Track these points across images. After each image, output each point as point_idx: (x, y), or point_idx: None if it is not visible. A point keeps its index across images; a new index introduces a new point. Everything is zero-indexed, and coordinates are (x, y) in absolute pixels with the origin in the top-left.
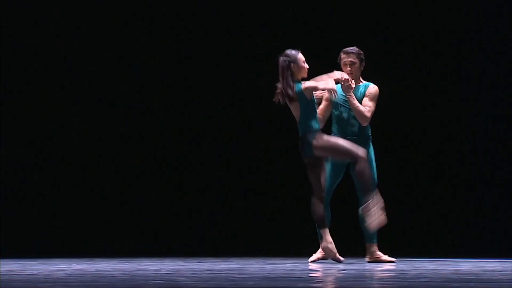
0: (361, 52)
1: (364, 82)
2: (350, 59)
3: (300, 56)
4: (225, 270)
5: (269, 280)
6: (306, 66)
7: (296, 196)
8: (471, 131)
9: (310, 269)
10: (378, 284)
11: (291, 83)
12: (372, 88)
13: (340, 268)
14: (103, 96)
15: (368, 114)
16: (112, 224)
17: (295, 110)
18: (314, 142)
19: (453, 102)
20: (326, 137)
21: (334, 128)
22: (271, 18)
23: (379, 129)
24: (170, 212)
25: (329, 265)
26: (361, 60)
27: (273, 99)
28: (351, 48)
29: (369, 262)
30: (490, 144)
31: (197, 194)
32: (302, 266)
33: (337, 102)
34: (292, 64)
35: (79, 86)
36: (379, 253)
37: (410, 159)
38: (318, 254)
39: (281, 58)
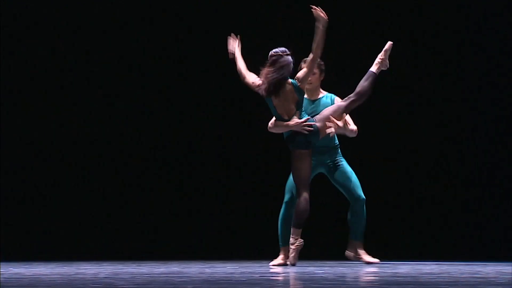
0: (322, 62)
1: (325, 93)
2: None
3: (289, 53)
4: (165, 273)
5: (209, 283)
6: None
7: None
8: (471, 131)
9: (250, 272)
10: (317, 286)
11: (283, 75)
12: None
13: (279, 271)
14: (103, 96)
15: (355, 127)
16: (50, 227)
17: (290, 103)
18: (319, 125)
19: (453, 102)
20: (319, 117)
21: None
22: (272, 18)
23: (379, 130)
24: (109, 215)
25: (274, 269)
26: (321, 71)
27: (263, 93)
28: None
29: (353, 259)
30: (490, 144)
31: (134, 197)
32: (242, 269)
33: (304, 114)
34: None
35: (79, 86)
36: (361, 251)
37: (407, 160)
38: (280, 259)
39: (277, 55)
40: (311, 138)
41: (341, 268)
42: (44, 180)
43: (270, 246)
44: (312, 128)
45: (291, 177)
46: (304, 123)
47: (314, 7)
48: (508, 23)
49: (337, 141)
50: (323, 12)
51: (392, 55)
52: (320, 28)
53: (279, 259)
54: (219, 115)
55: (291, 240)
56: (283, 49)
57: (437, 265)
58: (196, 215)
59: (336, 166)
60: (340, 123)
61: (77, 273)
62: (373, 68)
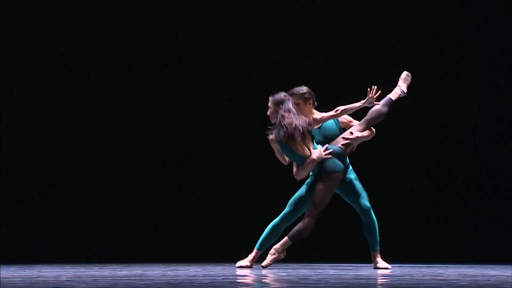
0: (305, 92)
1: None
2: (293, 100)
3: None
4: (127, 276)
5: (172, 286)
6: None
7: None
8: (471, 131)
9: (212, 275)
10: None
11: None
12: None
13: (244, 274)
14: (103, 96)
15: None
16: (13, 229)
17: (308, 141)
18: (342, 147)
19: (453, 102)
20: (340, 140)
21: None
22: (272, 19)
23: (379, 130)
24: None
25: (239, 270)
26: (305, 100)
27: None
28: (297, 89)
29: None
30: (490, 144)
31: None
32: (204, 272)
33: (316, 146)
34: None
35: (79, 86)
36: (378, 260)
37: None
38: (248, 261)
39: (283, 100)
40: (340, 159)
41: (303, 271)
42: (41, 180)
43: (233, 249)
44: (332, 150)
45: (298, 193)
46: (324, 150)
47: (374, 89)
48: (508, 23)
49: (347, 160)
50: (376, 95)
51: (392, 56)
52: (362, 104)
53: (247, 261)
54: (219, 115)
55: (278, 247)
56: (283, 93)
57: (399, 268)
58: (196, 216)
59: (349, 182)
60: (365, 133)
61: (39, 276)
62: (392, 95)
